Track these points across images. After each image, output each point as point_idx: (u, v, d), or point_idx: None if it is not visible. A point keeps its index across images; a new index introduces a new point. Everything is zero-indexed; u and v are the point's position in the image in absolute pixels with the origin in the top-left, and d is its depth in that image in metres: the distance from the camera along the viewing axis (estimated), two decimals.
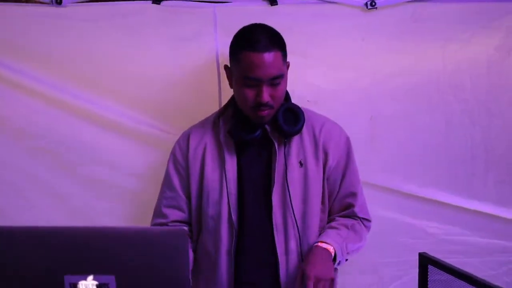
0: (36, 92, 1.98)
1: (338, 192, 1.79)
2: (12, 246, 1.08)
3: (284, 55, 1.68)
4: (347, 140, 1.81)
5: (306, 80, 2.06)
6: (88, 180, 2.06)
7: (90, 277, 1.08)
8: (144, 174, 2.07)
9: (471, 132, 2.20)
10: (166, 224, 1.74)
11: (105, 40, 1.98)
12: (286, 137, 1.70)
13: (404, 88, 2.15)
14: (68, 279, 1.08)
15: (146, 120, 2.06)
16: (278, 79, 1.63)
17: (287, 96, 1.77)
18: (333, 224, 1.76)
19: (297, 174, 1.70)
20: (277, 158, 1.69)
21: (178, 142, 1.81)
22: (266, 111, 1.64)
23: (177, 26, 2.00)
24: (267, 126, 1.71)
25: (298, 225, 1.68)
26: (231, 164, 1.69)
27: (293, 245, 1.69)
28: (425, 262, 1.72)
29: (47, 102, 1.99)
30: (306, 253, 1.66)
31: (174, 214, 1.75)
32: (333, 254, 1.64)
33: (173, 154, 1.80)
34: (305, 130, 1.74)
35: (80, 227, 1.14)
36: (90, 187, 2.07)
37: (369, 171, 2.07)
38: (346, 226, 1.75)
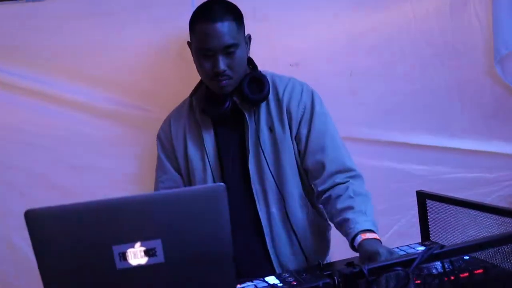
0: (20, 87, 2.00)
1: (306, 148, 1.75)
2: (60, 224, 1.10)
3: (239, 24, 1.70)
4: (311, 95, 1.78)
5: (285, 44, 2.13)
6: (85, 169, 2.09)
7: (138, 244, 1.11)
8: (138, 156, 2.11)
9: (444, 74, 2.34)
10: None
11: (85, 29, 1.99)
12: (253, 105, 1.74)
13: (379, 42, 2.26)
14: (116, 249, 1.11)
15: (133, 104, 2.10)
16: (232, 47, 1.66)
17: (254, 65, 1.82)
18: (339, 205, 1.64)
19: (268, 139, 1.75)
20: (248, 127, 1.74)
21: (161, 127, 1.88)
22: (225, 81, 1.68)
23: (154, 8, 2.04)
24: (235, 98, 1.75)
25: (278, 188, 1.74)
26: (210, 141, 1.76)
27: (274, 209, 1.75)
28: (423, 197, 1.84)
29: (33, 96, 2.01)
30: (365, 250, 1.46)
31: None
32: (377, 234, 1.53)
33: (159, 140, 1.87)
34: (271, 96, 1.76)
35: (120, 198, 1.14)
36: (88, 176, 2.10)
37: (352, 125, 2.18)
38: (350, 197, 1.64)
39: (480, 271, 1.37)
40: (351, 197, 1.63)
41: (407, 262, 1.20)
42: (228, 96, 1.74)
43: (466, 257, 1.45)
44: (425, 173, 2.37)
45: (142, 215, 1.14)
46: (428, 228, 1.81)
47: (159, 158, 1.86)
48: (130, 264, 1.12)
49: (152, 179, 1.93)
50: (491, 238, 1.32)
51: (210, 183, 1.72)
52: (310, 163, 1.75)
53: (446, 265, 1.38)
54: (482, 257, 1.44)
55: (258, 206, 1.75)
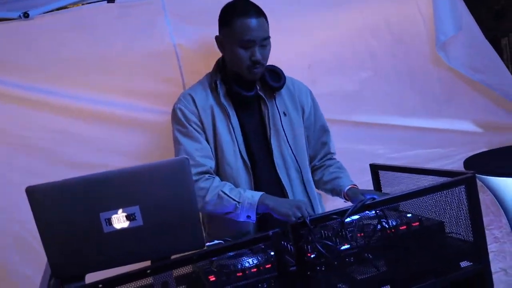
0: (18, 97, 2.21)
1: (314, 132, 2.17)
2: (55, 197, 1.33)
3: (267, 21, 1.97)
4: (311, 92, 2.18)
5: None
6: (81, 167, 2.27)
7: (120, 210, 1.34)
8: (129, 152, 2.32)
9: (393, 63, 2.60)
10: (207, 172, 1.95)
11: (71, 42, 2.22)
12: (274, 92, 2.04)
13: (331, 38, 2.52)
14: (103, 215, 1.34)
15: (123, 105, 2.31)
16: (267, 40, 1.94)
17: None
18: (331, 169, 2.16)
19: (284, 121, 2.05)
20: (268, 109, 2.02)
21: (183, 105, 1.99)
22: (258, 69, 1.94)
23: (132, 19, 2.27)
24: (257, 85, 2.01)
25: (297, 159, 2.04)
26: (234, 119, 2.00)
27: (294, 175, 2.06)
28: (375, 169, 2.09)
29: (32, 105, 2.22)
30: (355, 194, 1.98)
31: (210, 163, 1.97)
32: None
33: (184, 116, 1.97)
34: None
35: (104, 172, 1.39)
36: (84, 172, 2.26)
37: None
38: (339, 168, 2.17)
39: (416, 223, 1.61)
40: (341, 168, 2.17)
41: (343, 213, 1.44)
42: (254, 82, 2.00)
43: (408, 215, 1.69)
44: (385, 151, 2.62)
45: (123, 186, 1.37)
46: (381, 188, 2.06)
47: (186, 129, 1.96)
48: (115, 228, 1.35)
49: None
50: (411, 190, 1.55)
51: (237, 154, 1.98)
52: (317, 143, 2.19)
53: (389, 222, 1.64)
54: (422, 213, 1.69)
55: (280, 174, 2.03)
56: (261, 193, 1.91)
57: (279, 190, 2.03)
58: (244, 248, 1.46)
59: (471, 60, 2.61)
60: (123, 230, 1.35)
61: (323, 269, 1.44)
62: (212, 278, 1.47)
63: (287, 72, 2.11)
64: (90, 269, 1.38)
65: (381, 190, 2.06)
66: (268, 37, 1.95)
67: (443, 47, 2.55)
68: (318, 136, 2.19)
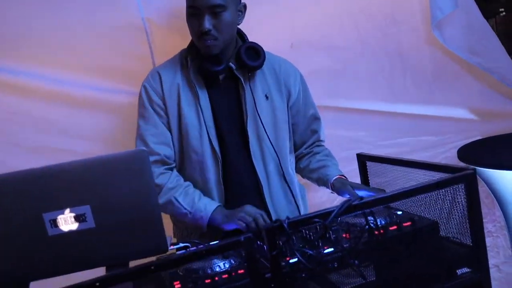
0: None
1: (303, 120, 1.97)
2: None
3: None
4: (301, 75, 1.98)
5: None
6: (40, 149, 2.09)
7: (67, 210, 1.17)
8: (93, 136, 2.13)
9: (384, 43, 2.41)
10: (161, 161, 1.80)
11: (31, 16, 2.00)
12: (250, 72, 1.83)
13: (317, 15, 2.31)
14: (46, 216, 1.16)
15: (88, 85, 2.12)
16: (219, 8, 1.71)
17: (245, 38, 1.89)
18: (318, 157, 1.98)
19: (265, 105, 1.85)
20: (245, 92, 1.81)
21: (148, 83, 1.83)
22: (209, 41, 1.73)
23: None
24: (232, 64, 1.81)
25: (275, 149, 1.84)
26: (204, 100, 1.80)
27: (271, 167, 1.86)
28: (363, 159, 1.92)
29: None
30: (342, 185, 1.81)
31: (165, 150, 1.81)
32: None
33: (147, 96, 1.82)
34: (265, 67, 1.86)
35: (47, 166, 1.19)
36: (45, 157, 2.09)
37: None
38: (327, 156, 1.99)
39: (408, 223, 1.45)
40: (329, 156, 2.00)
41: (326, 215, 1.26)
42: (223, 59, 1.79)
43: (399, 212, 1.54)
44: (373, 139, 2.45)
45: (69, 182, 1.19)
46: (369, 184, 1.89)
47: (146, 111, 1.82)
48: (61, 230, 1.18)
49: None
50: (403, 190, 1.38)
51: (205, 139, 1.79)
52: (306, 132, 2.00)
53: (378, 221, 1.48)
54: (413, 210, 1.54)
55: (255, 164, 1.84)
56: (216, 205, 1.75)
57: (253, 183, 1.85)
58: (210, 256, 1.27)
59: (468, 42, 2.43)
60: (72, 233, 1.18)
61: (303, 275, 1.28)
62: (177, 285, 1.31)
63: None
64: (34, 276, 1.22)
65: (368, 183, 1.91)
66: (222, 5, 1.72)
67: (439, 26, 2.36)
68: (308, 124, 2.00)
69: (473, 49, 2.44)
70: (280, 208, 1.88)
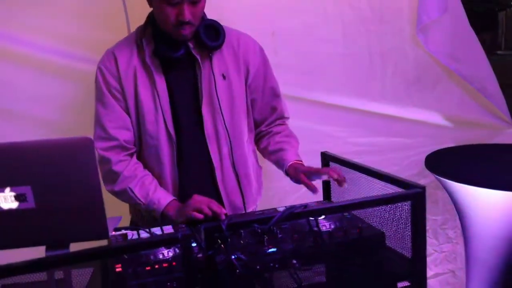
0: None
1: (262, 96, 1.91)
2: None
3: None
4: (261, 48, 1.90)
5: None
6: (10, 116, 2.09)
7: (7, 189, 1.16)
8: (61, 104, 2.12)
9: (367, 40, 2.38)
10: (120, 146, 1.76)
11: None
12: (210, 52, 1.76)
13: (305, 3, 2.28)
14: None
15: (60, 53, 2.09)
16: None
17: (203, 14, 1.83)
18: (278, 138, 1.93)
19: (222, 86, 1.79)
20: (202, 72, 1.76)
21: (104, 65, 1.77)
22: (187, 29, 1.71)
23: None
24: (189, 43, 1.77)
25: (229, 132, 1.81)
26: (161, 83, 1.76)
27: (225, 150, 1.83)
28: (327, 159, 1.92)
29: None
30: (298, 169, 1.77)
31: (124, 134, 1.77)
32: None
33: (103, 78, 1.77)
34: (223, 45, 1.80)
35: None
36: (14, 124, 2.11)
37: None
38: (288, 136, 1.94)
39: (356, 231, 1.46)
40: (288, 136, 1.94)
41: (266, 220, 1.27)
42: (182, 42, 1.74)
43: (347, 215, 1.56)
44: (344, 134, 2.44)
45: (12, 162, 1.18)
46: (330, 188, 1.90)
47: (103, 95, 1.76)
48: (1, 208, 1.17)
49: (73, 126, 1.98)
50: (350, 201, 1.40)
51: (161, 123, 1.76)
52: (265, 108, 1.94)
53: (328, 225, 1.49)
54: (363, 216, 1.56)
55: (209, 147, 1.81)
56: (169, 200, 1.73)
57: (207, 166, 1.83)
58: (147, 249, 1.28)
59: (451, 48, 2.41)
60: (11, 211, 1.18)
61: (235, 276, 1.29)
62: (118, 268, 1.33)
63: None
64: None
65: (329, 183, 1.90)
66: None
67: (424, 30, 2.34)
68: (267, 100, 1.93)
69: (455, 55, 2.43)
70: (233, 195, 1.87)
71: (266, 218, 1.27)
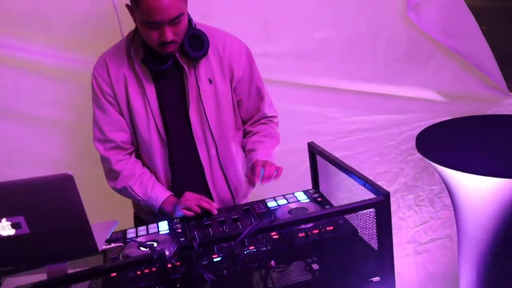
0: None
1: (248, 97, 1.98)
2: None
3: None
4: (247, 51, 1.94)
5: None
6: (12, 118, 2.22)
7: (4, 220, 1.33)
8: (58, 104, 2.24)
9: (358, 21, 2.38)
10: (118, 147, 1.89)
11: None
12: (194, 61, 1.83)
13: None
14: None
15: (57, 56, 2.20)
16: (178, 18, 1.69)
17: (189, 18, 1.86)
18: (254, 138, 2.00)
19: (208, 91, 1.87)
20: (188, 80, 1.84)
21: (97, 72, 1.86)
22: (171, 47, 1.75)
23: None
24: (176, 53, 1.81)
25: (214, 134, 1.91)
26: (150, 90, 1.85)
27: (213, 152, 1.94)
28: (313, 151, 1.98)
29: None
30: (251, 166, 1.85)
31: (121, 136, 1.88)
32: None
33: (97, 84, 1.86)
34: (210, 51, 1.85)
35: None
36: (18, 124, 2.25)
37: (268, 70, 2.19)
38: (265, 136, 2.00)
39: (331, 228, 1.57)
40: (264, 136, 2.00)
41: (235, 236, 1.39)
42: (169, 55, 1.81)
43: None
44: (338, 115, 2.50)
45: (5, 197, 1.33)
46: (318, 179, 1.97)
47: (99, 100, 1.86)
48: (0, 235, 1.34)
49: (71, 123, 2.10)
50: (316, 213, 1.51)
51: (152, 128, 1.86)
52: (251, 110, 2.02)
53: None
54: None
55: (199, 149, 1.92)
56: (166, 195, 1.87)
57: (197, 167, 1.96)
58: (124, 270, 1.43)
59: (444, 23, 2.38)
60: (9, 237, 1.35)
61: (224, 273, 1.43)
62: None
63: (239, 31, 1.94)
64: None
65: (317, 173, 1.96)
66: (181, 14, 1.70)
67: (415, 9, 2.32)
68: (253, 101, 2.00)
69: (448, 31, 2.40)
70: (222, 191, 2.00)
71: (235, 235, 1.39)
